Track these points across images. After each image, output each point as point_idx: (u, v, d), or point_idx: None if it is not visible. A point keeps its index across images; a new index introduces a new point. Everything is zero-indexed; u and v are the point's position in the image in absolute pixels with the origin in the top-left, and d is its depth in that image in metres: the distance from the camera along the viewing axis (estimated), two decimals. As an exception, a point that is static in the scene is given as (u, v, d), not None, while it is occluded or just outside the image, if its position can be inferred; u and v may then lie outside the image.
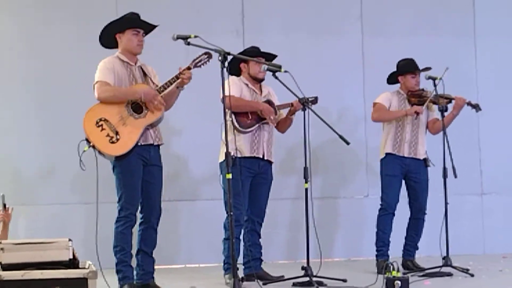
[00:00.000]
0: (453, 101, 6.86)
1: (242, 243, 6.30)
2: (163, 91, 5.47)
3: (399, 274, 5.53)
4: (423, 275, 6.38)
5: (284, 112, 6.49)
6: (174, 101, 5.64)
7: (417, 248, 6.98)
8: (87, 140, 5.31)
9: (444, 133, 6.64)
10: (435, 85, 6.68)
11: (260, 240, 6.43)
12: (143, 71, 5.65)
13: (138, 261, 5.57)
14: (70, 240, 4.60)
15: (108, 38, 5.62)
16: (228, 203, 5.35)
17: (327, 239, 7.62)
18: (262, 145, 6.31)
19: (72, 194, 7.67)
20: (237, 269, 5.23)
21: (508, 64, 8.57)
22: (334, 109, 8.13)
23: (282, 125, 6.54)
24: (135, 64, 5.62)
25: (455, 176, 6.53)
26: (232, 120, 6.14)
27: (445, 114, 6.76)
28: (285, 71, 5.83)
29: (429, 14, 8.55)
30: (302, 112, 6.11)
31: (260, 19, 8.20)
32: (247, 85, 6.38)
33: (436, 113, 6.90)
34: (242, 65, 6.42)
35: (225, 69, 5.32)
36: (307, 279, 5.91)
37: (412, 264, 6.87)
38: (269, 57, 6.44)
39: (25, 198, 7.47)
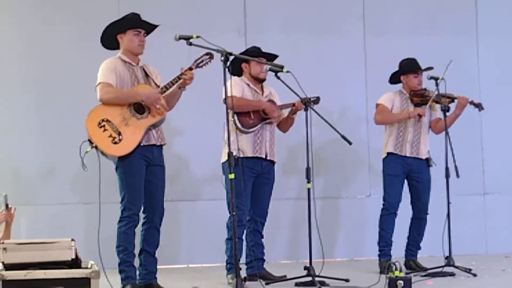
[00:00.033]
0: (456, 101, 6.85)
1: (244, 243, 6.29)
2: (165, 91, 5.47)
3: (402, 274, 5.52)
4: (425, 275, 6.37)
5: (285, 112, 6.49)
6: (176, 102, 5.63)
7: (420, 248, 6.98)
8: (89, 141, 5.30)
9: (446, 133, 6.63)
10: (437, 85, 6.67)
11: (262, 240, 6.43)
12: (145, 71, 5.64)
13: (141, 261, 5.57)
14: (73, 240, 4.60)
15: (109, 39, 5.61)
16: (230, 203, 5.34)
17: (329, 239, 7.61)
18: (264, 145, 6.31)
19: (73, 194, 7.67)
20: (240, 269, 5.22)
21: (510, 63, 8.57)
22: (336, 109, 8.13)
23: (284, 125, 6.53)
24: (137, 64, 5.62)
25: (458, 176, 6.53)
26: (234, 120, 6.14)
27: (447, 114, 6.75)
28: (287, 71, 5.82)
29: (431, 13, 8.54)
30: (304, 112, 6.10)
31: (262, 19, 8.20)
32: (248, 85, 6.38)
33: (438, 113, 6.89)
34: (243, 65, 6.42)
35: (227, 70, 5.32)
36: (309, 279, 5.90)
37: (415, 264, 6.87)
38: (271, 57, 6.44)
39: (26, 198, 7.46)
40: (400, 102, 6.93)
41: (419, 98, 6.89)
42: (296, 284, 5.97)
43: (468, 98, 6.88)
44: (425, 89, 6.90)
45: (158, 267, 5.67)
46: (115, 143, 5.33)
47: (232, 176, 5.24)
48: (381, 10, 8.44)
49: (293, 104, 6.36)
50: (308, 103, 6.11)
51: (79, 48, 7.48)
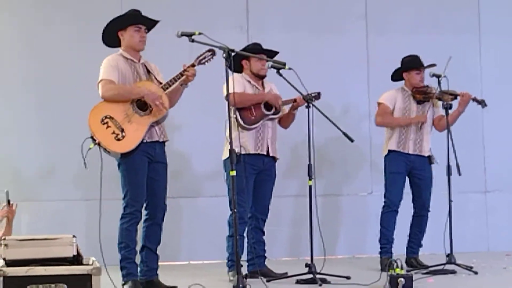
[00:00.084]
0: (458, 98, 6.83)
1: (246, 240, 6.29)
2: (167, 88, 5.47)
3: (403, 272, 5.53)
4: (426, 273, 6.36)
5: (287, 108, 6.49)
6: (178, 98, 5.63)
7: (421, 246, 6.98)
8: (92, 138, 5.30)
9: (448, 131, 6.62)
10: (439, 83, 6.65)
11: (263, 237, 6.43)
12: (146, 68, 5.64)
13: (142, 257, 5.57)
14: (74, 236, 4.60)
15: (111, 37, 5.61)
16: (232, 201, 5.35)
17: (330, 236, 7.61)
18: (266, 142, 6.31)
19: (74, 191, 7.68)
20: (241, 266, 5.22)
21: (512, 61, 8.57)
22: (338, 107, 8.13)
23: (285, 121, 6.53)
24: (139, 61, 5.62)
25: (459, 174, 6.51)
26: (236, 117, 6.14)
27: (450, 111, 6.73)
28: (289, 68, 5.82)
29: (433, 12, 8.54)
30: (306, 110, 6.10)
31: (264, 16, 8.20)
32: (249, 82, 6.38)
33: (441, 110, 6.88)
34: (243, 62, 6.42)
35: (227, 66, 5.31)
36: (310, 276, 5.91)
37: (416, 261, 6.87)
38: (271, 54, 6.44)
39: (27, 194, 7.47)
40: (402, 100, 6.92)
41: (421, 95, 6.88)
42: (297, 281, 5.97)
43: (471, 95, 6.86)
44: (427, 86, 6.88)
45: (159, 263, 5.67)
46: (118, 139, 5.32)
47: (233, 173, 5.24)
48: (383, 9, 8.43)
49: (294, 100, 6.36)
50: (310, 100, 6.12)
51: (79, 48, 7.47)
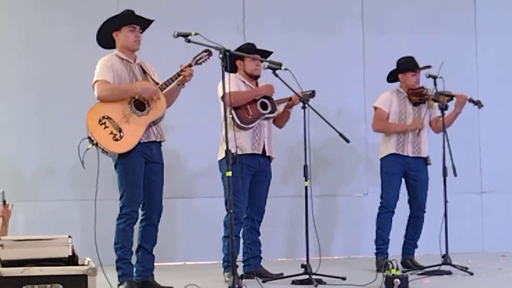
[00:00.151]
0: (454, 99, 6.84)
1: (241, 241, 6.30)
2: (164, 88, 5.47)
3: (399, 272, 5.53)
4: (422, 274, 6.37)
5: (282, 107, 6.49)
6: (175, 99, 5.63)
7: (417, 247, 6.98)
8: (89, 138, 5.30)
9: (444, 132, 6.63)
10: (435, 84, 6.66)
11: (259, 237, 6.44)
12: (142, 68, 5.64)
13: (138, 258, 5.57)
14: (69, 236, 4.60)
15: (105, 38, 5.60)
16: (228, 201, 5.35)
17: (326, 237, 7.63)
18: (262, 141, 6.32)
19: (70, 191, 7.67)
20: (237, 266, 5.23)
21: (509, 62, 8.58)
22: (334, 107, 8.13)
23: (280, 120, 6.54)
24: (134, 61, 5.62)
25: (455, 175, 6.52)
26: (233, 117, 6.14)
27: (446, 112, 6.74)
28: (285, 69, 5.83)
29: (430, 12, 8.55)
30: (302, 110, 6.11)
31: (261, 16, 8.20)
32: (244, 82, 6.39)
33: (437, 111, 6.88)
34: (237, 62, 6.42)
35: (223, 66, 5.32)
36: (306, 276, 5.92)
37: (412, 262, 6.87)
38: (265, 54, 6.45)
39: (24, 194, 7.46)
40: (397, 102, 6.92)
41: (417, 97, 6.88)
42: (293, 282, 5.97)
43: (467, 96, 6.87)
44: (423, 88, 6.89)
45: (155, 264, 5.66)
46: (116, 140, 5.32)
47: (229, 173, 5.24)
48: (380, 10, 8.44)
49: (290, 99, 6.37)
50: (306, 101, 6.12)
51: (79, 48, 7.47)
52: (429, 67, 6.79)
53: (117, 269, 5.45)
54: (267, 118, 6.39)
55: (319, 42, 8.28)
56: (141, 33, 5.62)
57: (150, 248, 5.59)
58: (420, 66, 6.90)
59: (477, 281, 6.12)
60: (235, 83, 6.22)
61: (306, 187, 6.08)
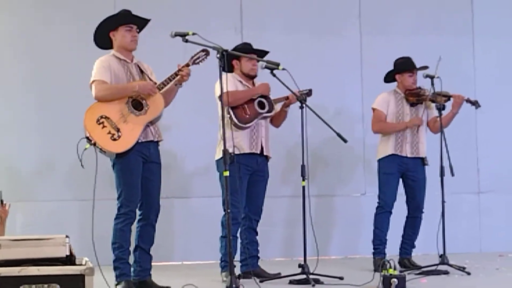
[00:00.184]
0: (452, 99, 6.85)
1: (239, 241, 6.30)
2: (162, 88, 5.47)
3: (396, 272, 5.53)
4: (419, 273, 6.37)
5: (279, 107, 6.49)
6: (172, 98, 5.63)
7: (414, 247, 6.99)
8: (87, 138, 5.29)
9: (442, 132, 6.64)
10: (432, 84, 6.66)
11: (257, 237, 6.44)
12: (139, 68, 5.64)
13: (136, 257, 5.57)
14: (67, 236, 4.60)
15: (102, 38, 5.60)
16: (225, 201, 5.35)
17: (324, 236, 7.63)
18: (260, 141, 6.33)
19: (68, 191, 7.67)
20: (234, 266, 5.23)
21: (506, 63, 8.60)
22: (332, 108, 8.13)
23: (277, 119, 6.55)
24: (131, 61, 5.62)
25: (452, 175, 6.53)
26: (231, 116, 6.14)
27: (443, 112, 6.75)
28: (283, 69, 5.83)
29: (427, 13, 8.56)
30: (300, 110, 6.11)
31: (258, 16, 8.21)
32: (241, 82, 6.39)
33: (435, 111, 6.89)
34: (234, 62, 6.42)
35: (221, 66, 5.32)
36: (304, 276, 5.92)
37: (409, 262, 6.88)
38: (261, 53, 6.46)
39: (22, 194, 7.46)
40: (395, 102, 6.93)
41: (414, 97, 6.89)
42: (291, 282, 5.97)
43: (464, 96, 6.88)
44: (420, 88, 6.89)
45: (152, 264, 5.66)
46: (114, 139, 5.32)
47: (227, 173, 5.24)
48: (377, 11, 8.45)
49: (287, 98, 6.38)
50: (304, 100, 6.13)
51: (79, 48, 7.46)
52: (426, 67, 6.79)
53: (115, 269, 5.45)
54: (265, 117, 6.40)
55: (317, 42, 8.29)
56: (138, 33, 5.62)
57: (147, 248, 5.59)
58: (418, 67, 6.90)
59: (475, 281, 6.12)
60: (232, 82, 6.22)
61: (303, 187, 6.09)
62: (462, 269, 6.41)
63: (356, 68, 8.36)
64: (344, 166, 8.32)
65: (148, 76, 5.61)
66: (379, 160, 6.96)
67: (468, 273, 6.34)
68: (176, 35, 5.38)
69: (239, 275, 5.51)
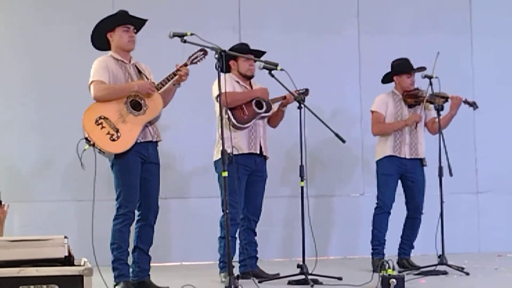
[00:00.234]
0: (450, 100, 6.85)
1: (237, 241, 6.29)
2: (161, 88, 5.47)
3: (395, 273, 5.53)
4: (418, 274, 6.37)
5: (276, 107, 6.49)
6: (171, 98, 5.63)
7: (413, 247, 6.99)
8: (86, 139, 5.29)
9: (440, 132, 6.64)
10: (431, 84, 6.66)
11: (255, 238, 6.44)
12: (137, 68, 5.64)
13: (134, 258, 5.57)
14: (65, 237, 4.59)
15: (100, 39, 5.60)
16: (224, 202, 5.34)
17: (322, 237, 7.63)
18: (259, 141, 6.33)
19: (66, 192, 7.67)
20: (233, 267, 5.22)
21: (504, 63, 8.61)
22: (330, 108, 8.14)
23: (274, 119, 6.55)
24: (129, 62, 5.61)
25: (451, 175, 6.53)
26: (229, 117, 6.14)
27: (441, 113, 6.75)
28: (282, 69, 5.83)
29: (426, 13, 8.57)
30: (298, 111, 6.11)
31: (256, 16, 8.21)
32: (238, 82, 6.39)
33: (433, 112, 6.89)
34: (231, 62, 6.42)
35: (219, 67, 5.32)
36: (302, 277, 5.92)
37: (408, 262, 6.88)
38: (258, 53, 6.46)
39: (20, 195, 7.46)
40: (393, 104, 6.93)
41: (412, 99, 6.88)
42: (289, 282, 5.97)
43: (462, 97, 6.88)
44: (417, 89, 6.89)
45: (151, 264, 5.66)
46: (113, 140, 5.31)
47: (225, 173, 5.24)
48: (375, 10, 8.46)
49: (284, 97, 6.38)
50: (302, 100, 6.12)
51: (79, 48, 7.40)
52: (423, 68, 6.79)
53: (113, 269, 5.45)
54: (263, 118, 6.40)
55: (315, 42, 8.29)
56: (136, 33, 5.62)
57: (146, 248, 5.59)
58: (416, 66, 6.90)
59: (473, 281, 6.12)
60: (229, 83, 6.21)
61: (302, 187, 6.08)
62: (461, 269, 6.41)
63: (354, 68, 8.36)
64: (343, 166, 8.32)
65: (146, 77, 5.61)
66: (377, 161, 6.96)
67: (467, 273, 6.34)
68: (174, 35, 5.37)
69: (238, 275, 5.50)
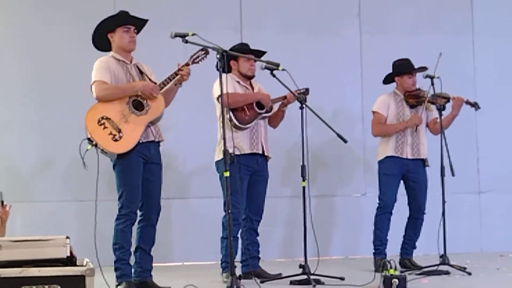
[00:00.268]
0: (451, 101, 6.84)
1: (240, 241, 6.29)
2: (162, 87, 5.46)
3: (397, 272, 5.52)
4: (420, 274, 6.37)
5: (276, 107, 6.49)
6: (172, 98, 5.63)
7: (415, 247, 6.99)
8: (89, 139, 5.28)
9: (442, 132, 6.63)
10: (432, 84, 6.65)
11: (258, 238, 6.43)
12: (139, 69, 5.63)
13: (136, 258, 5.56)
14: (67, 237, 4.59)
15: (101, 40, 5.59)
16: (226, 202, 5.34)
17: (324, 237, 7.62)
18: (260, 141, 6.33)
19: (67, 192, 7.67)
20: (235, 267, 5.22)
21: (506, 63, 8.60)
22: (332, 108, 8.13)
23: (274, 119, 6.54)
24: (131, 62, 5.61)
25: (453, 174, 6.52)
26: (230, 118, 6.13)
27: (443, 113, 6.73)
28: (283, 69, 5.82)
29: (427, 13, 8.56)
30: (300, 111, 6.11)
31: (258, 16, 8.21)
32: (238, 82, 6.39)
33: (435, 113, 6.88)
34: (231, 62, 6.41)
35: (221, 67, 5.32)
36: (304, 277, 5.91)
37: (410, 262, 6.88)
38: (259, 53, 6.45)
39: (21, 195, 7.45)
40: (395, 104, 6.92)
41: (414, 99, 6.87)
42: (291, 282, 5.96)
43: (464, 98, 6.87)
44: (419, 89, 6.88)
45: (153, 265, 5.66)
46: (116, 140, 5.31)
47: (227, 173, 5.24)
48: (377, 10, 8.45)
49: (284, 97, 6.37)
50: (303, 100, 6.12)
51: (79, 48, 7.43)
52: (425, 68, 6.78)
53: (116, 269, 5.44)
54: (264, 118, 6.40)
55: (317, 42, 8.29)
56: (137, 33, 5.61)
57: (148, 248, 5.58)
58: (417, 66, 6.89)
59: (475, 281, 6.12)
60: (230, 84, 6.21)
61: (303, 187, 6.08)
62: (463, 269, 6.40)
63: (356, 68, 8.36)
64: (344, 167, 8.31)
65: (147, 77, 5.61)
66: (379, 162, 6.95)
67: (469, 273, 6.34)
68: (176, 35, 5.37)
69: (239, 275, 5.50)
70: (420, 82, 6.90)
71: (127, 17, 5.56)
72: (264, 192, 6.42)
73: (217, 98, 6.04)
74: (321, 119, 5.93)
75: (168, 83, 5.47)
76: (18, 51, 7.72)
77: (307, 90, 6.46)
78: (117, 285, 5.43)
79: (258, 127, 6.34)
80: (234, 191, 5.84)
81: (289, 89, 6.09)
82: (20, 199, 7.34)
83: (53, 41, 7.73)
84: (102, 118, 5.31)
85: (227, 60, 6.28)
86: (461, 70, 8.41)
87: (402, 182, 6.92)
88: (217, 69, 5.36)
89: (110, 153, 5.34)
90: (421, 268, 6.57)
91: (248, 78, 6.44)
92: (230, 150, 5.45)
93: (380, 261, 6.21)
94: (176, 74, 5.48)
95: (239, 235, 6.26)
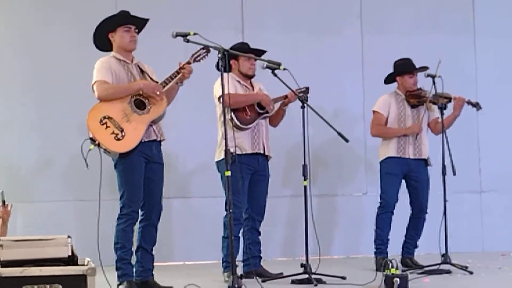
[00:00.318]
0: (453, 101, 6.84)
1: (241, 241, 6.29)
2: (164, 86, 5.47)
3: (398, 272, 5.53)
4: (422, 273, 6.36)
5: (276, 106, 6.49)
6: (173, 97, 5.63)
7: (417, 247, 6.98)
8: (91, 139, 5.28)
9: (443, 131, 6.63)
10: (434, 83, 6.64)
11: (259, 237, 6.43)
12: (140, 68, 5.63)
13: (138, 258, 5.56)
14: (69, 237, 4.59)
15: (102, 40, 5.59)
16: (228, 201, 5.34)
17: (326, 236, 7.62)
18: (262, 141, 6.33)
19: (68, 192, 7.66)
20: (236, 266, 5.22)
21: (507, 63, 8.60)
22: (333, 107, 8.13)
23: (275, 118, 6.54)
24: (132, 62, 5.60)
25: (454, 174, 6.52)
26: (231, 118, 6.13)
27: (444, 112, 6.73)
28: (284, 69, 5.82)
29: (429, 12, 8.55)
30: (301, 110, 6.11)
31: (259, 16, 8.20)
32: (239, 82, 6.38)
33: (436, 113, 6.88)
34: (232, 61, 6.40)
35: (218, 67, 5.32)
36: (306, 276, 5.91)
37: (411, 261, 6.87)
38: (259, 53, 6.45)
39: (22, 195, 7.44)
40: (396, 104, 6.91)
41: (415, 99, 6.87)
42: (293, 282, 5.96)
43: (465, 98, 6.86)
44: (420, 89, 6.87)
45: (154, 264, 5.65)
46: (118, 139, 5.30)
47: (228, 173, 5.23)
48: (378, 10, 8.45)
49: (285, 96, 6.37)
50: (305, 100, 6.12)
51: (79, 48, 7.45)
52: (426, 68, 6.78)
53: (117, 269, 5.44)
54: (265, 117, 6.39)
55: (318, 42, 8.28)
56: (138, 33, 5.60)
57: (149, 248, 5.58)
58: (418, 66, 6.89)
59: (477, 280, 6.12)
60: (231, 83, 6.21)
61: (305, 187, 6.08)
62: (464, 268, 6.40)
63: (357, 68, 8.35)
64: (345, 166, 8.31)
65: (149, 76, 5.60)
66: (381, 161, 6.94)
67: (471, 272, 6.33)
68: (177, 35, 5.36)
69: (241, 275, 5.50)
70: (422, 82, 6.89)
71: (127, 17, 5.56)
72: (265, 191, 6.42)
73: (219, 98, 6.04)
74: (322, 118, 5.92)
75: (169, 82, 5.47)
76: (18, 51, 7.72)
77: (307, 89, 6.46)
78: (118, 285, 5.42)
79: (259, 127, 6.33)
80: (236, 191, 5.84)
81: (290, 89, 6.09)
82: (21, 199, 7.33)
83: (53, 41, 7.73)
84: (104, 117, 5.30)
85: (228, 60, 6.29)
86: (462, 70, 8.41)
87: (404, 181, 6.92)
88: (218, 69, 5.35)
89: (113, 153, 5.34)
90: (423, 267, 6.57)
91: (249, 77, 6.44)
92: (231, 150, 5.44)
93: (381, 260, 6.21)
94: (178, 73, 5.48)
95: (240, 235, 6.25)
